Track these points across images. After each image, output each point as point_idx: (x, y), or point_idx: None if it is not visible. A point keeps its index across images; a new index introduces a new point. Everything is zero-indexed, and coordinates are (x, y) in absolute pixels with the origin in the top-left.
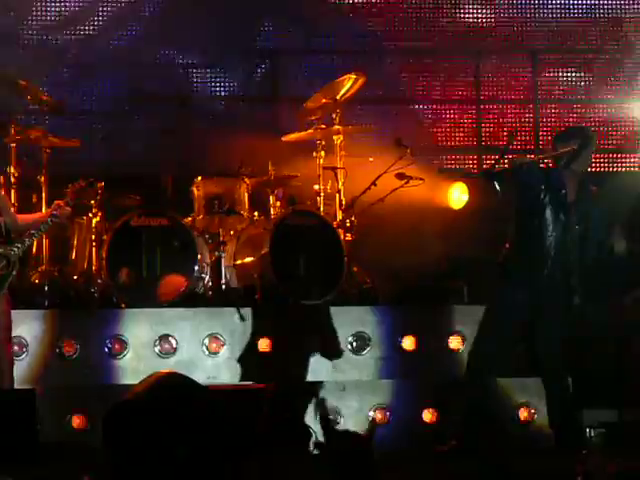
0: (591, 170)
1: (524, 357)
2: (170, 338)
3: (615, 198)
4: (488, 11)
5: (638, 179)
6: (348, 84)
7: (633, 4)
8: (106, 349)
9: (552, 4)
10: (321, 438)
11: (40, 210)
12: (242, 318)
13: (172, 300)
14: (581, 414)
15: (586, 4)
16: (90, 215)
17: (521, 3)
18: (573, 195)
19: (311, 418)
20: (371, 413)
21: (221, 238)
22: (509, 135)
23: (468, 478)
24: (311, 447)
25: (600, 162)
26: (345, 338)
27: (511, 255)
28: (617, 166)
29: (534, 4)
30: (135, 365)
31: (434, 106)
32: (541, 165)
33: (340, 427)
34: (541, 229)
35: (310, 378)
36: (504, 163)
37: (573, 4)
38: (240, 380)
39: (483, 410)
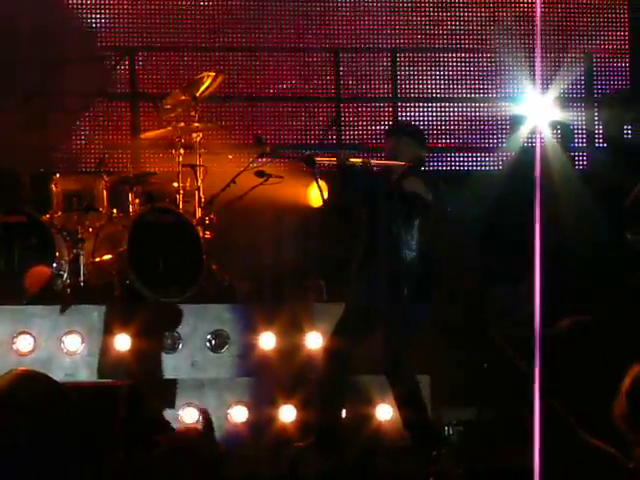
0: (447, 169)
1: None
2: (28, 335)
3: (470, 199)
4: (348, 7)
5: (494, 180)
6: (207, 82)
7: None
8: None
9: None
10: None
11: None
12: (63, 310)
13: (39, 291)
14: (440, 412)
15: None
16: None
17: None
18: (401, 192)
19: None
20: (229, 411)
21: (79, 235)
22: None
23: (325, 476)
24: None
25: (458, 161)
26: (204, 336)
27: (360, 255)
28: (475, 165)
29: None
30: None
31: (294, 103)
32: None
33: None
34: (372, 233)
35: (169, 376)
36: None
37: (429, 1)
38: (98, 378)
39: (340, 408)
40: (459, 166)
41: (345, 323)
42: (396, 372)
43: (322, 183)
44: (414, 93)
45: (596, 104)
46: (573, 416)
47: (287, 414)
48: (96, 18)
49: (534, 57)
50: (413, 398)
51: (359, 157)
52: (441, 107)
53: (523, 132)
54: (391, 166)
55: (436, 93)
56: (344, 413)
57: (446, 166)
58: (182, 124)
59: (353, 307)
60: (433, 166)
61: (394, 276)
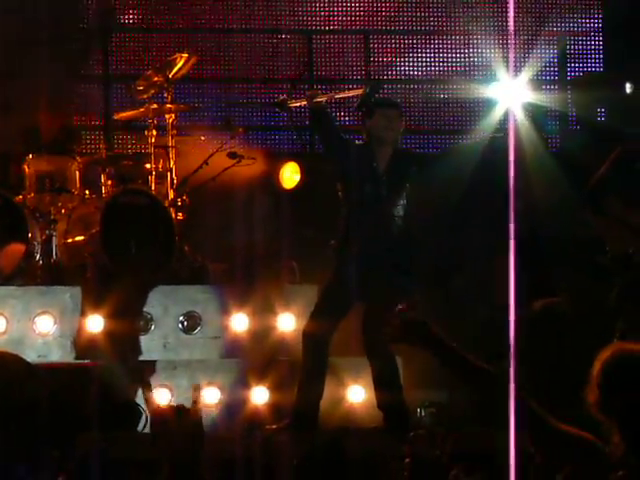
0: (423, 152)
1: (355, 336)
2: (0, 316)
3: (447, 177)
4: None
5: (468, 157)
6: (180, 63)
7: None
8: None
9: None
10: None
11: None
12: None
13: (13, 269)
14: (412, 394)
15: None
16: None
17: None
18: (385, 167)
19: (141, 396)
20: (202, 392)
21: (52, 217)
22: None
23: (297, 458)
24: (141, 426)
25: (433, 144)
26: (176, 317)
27: (340, 234)
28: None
29: None
30: None
31: (267, 85)
32: (358, 142)
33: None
34: (356, 208)
35: (142, 357)
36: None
37: None
38: (71, 359)
39: (320, 392)
40: (431, 148)
41: (324, 305)
42: (379, 347)
43: (294, 165)
44: (387, 75)
45: (569, 86)
46: (542, 402)
47: (259, 396)
48: None
49: (507, 39)
50: (391, 378)
51: (325, 94)
52: (414, 89)
53: (496, 115)
54: (378, 137)
55: (409, 75)
56: (321, 397)
57: (417, 148)
58: (155, 105)
59: (332, 286)
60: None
61: (383, 247)
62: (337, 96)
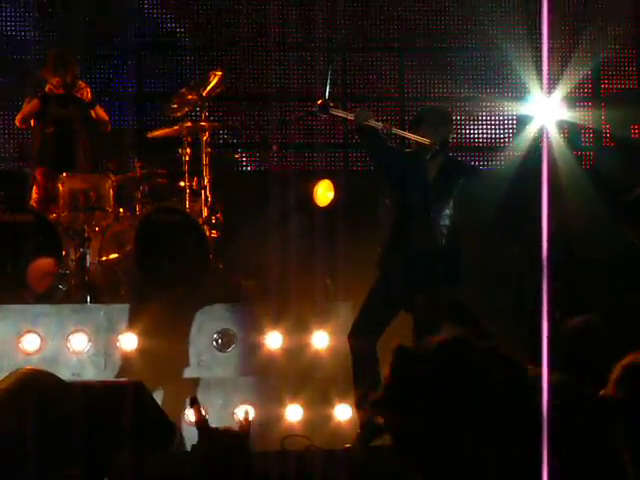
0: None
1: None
2: (34, 334)
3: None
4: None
5: (502, 177)
6: (214, 81)
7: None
8: None
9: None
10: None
11: None
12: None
13: (46, 286)
14: None
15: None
16: None
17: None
18: (433, 176)
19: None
20: (236, 410)
21: (86, 234)
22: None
23: (329, 476)
24: (175, 444)
25: (468, 161)
26: (210, 335)
27: (387, 241)
28: (482, 165)
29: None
30: None
31: (299, 103)
32: (406, 150)
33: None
34: (404, 215)
35: (176, 375)
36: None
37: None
38: (105, 377)
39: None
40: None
41: (369, 310)
42: None
43: (328, 182)
44: (420, 93)
45: (603, 104)
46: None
47: (294, 414)
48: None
49: (541, 56)
50: None
51: (380, 123)
52: (448, 107)
53: (530, 132)
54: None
55: (443, 93)
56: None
57: None
58: (189, 123)
59: (378, 292)
60: None
61: (429, 256)
62: (393, 131)
